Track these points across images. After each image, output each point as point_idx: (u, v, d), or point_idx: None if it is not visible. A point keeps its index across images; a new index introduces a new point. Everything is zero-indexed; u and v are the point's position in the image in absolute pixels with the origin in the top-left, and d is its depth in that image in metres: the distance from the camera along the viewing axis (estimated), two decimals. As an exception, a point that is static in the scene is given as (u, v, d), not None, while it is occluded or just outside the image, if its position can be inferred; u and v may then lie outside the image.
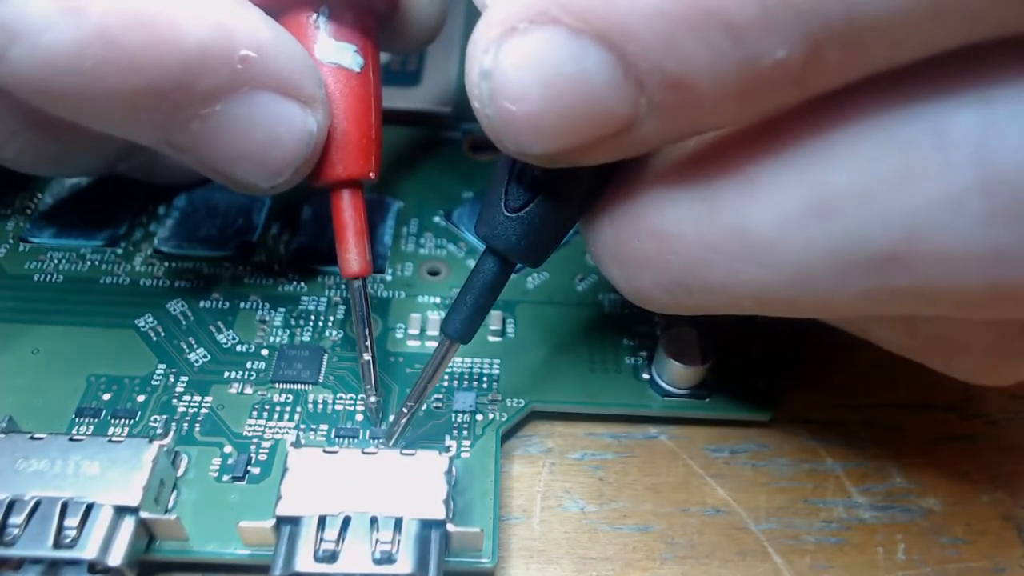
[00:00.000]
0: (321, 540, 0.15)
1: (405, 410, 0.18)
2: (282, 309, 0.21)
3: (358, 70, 0.18)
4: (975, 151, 0.10)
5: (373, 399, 0.19)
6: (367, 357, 0.19)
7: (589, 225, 0.15)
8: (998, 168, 0.10)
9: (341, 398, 0.20)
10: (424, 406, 0.19)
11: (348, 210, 0.19)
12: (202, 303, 0.21)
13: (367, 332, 0.19)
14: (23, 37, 0.14)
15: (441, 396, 0.20)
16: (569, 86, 0.11)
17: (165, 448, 0.17)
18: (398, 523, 0.15)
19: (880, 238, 0.11)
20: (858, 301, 0.12)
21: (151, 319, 0.21)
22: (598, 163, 0.13)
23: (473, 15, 0.13)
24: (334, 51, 0.18)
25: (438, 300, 0.22)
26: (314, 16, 0.18)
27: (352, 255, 0.18)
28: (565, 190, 0.15)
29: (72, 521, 0.15)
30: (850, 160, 0.11)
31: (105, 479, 0.16)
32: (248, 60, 0.16)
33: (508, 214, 0.15)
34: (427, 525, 0.16)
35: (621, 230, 0.14)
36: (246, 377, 0.20)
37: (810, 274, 0.12)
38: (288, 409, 0.19)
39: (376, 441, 0.19)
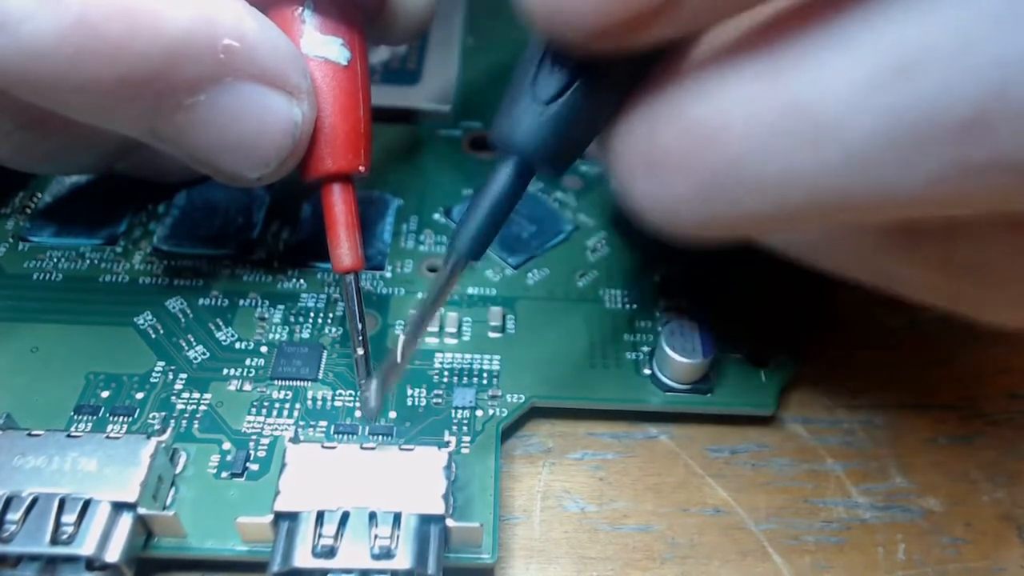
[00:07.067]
0: (319, 536, 0.15)
1: (403, 337, 0.16)
2: (281, 306, 0.21)
3: (345, 64, 0.18)
4: None
5: (368, 393, 0.19)
6: (360, 352, 0.19)
7: (617, 129, 0.14)
8: None
9: (340, 395, 0.19)
10: (418, 391, 0.19)
11: (338, 204, 0.19)
12: (201, 301, 0.21)
13: (360, 327, 0.19)
14: (3, 27, 0.14)
15: (441, 392, 0.20)
16: None
17: (163, 445, 0.17)
18: (397, 518, 0.15)
19: (968, 95, 0.10)
20: (927, 187, 0.11)
21: (150, 317, 0.21)
22: (645, 46, 0.12)
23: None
24: (320, 44, 0.18)
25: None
26: (300, 10, 0.18)
27: (343, 250, 0.18)
28: (604, 78, 0.13)
29: (69, 517, 0.15)
30: (937, 7, 0.10)
31: (103, 475, 0.16)
32: (231, 50, 0.16)
33: (536, 106, 0.13)
34: (426, 520, 0.16)
35: (657, 128, 0.13)
36: (245, 374, 0.20)
37: (881, 152, 0.11)
38: (287, 406, 0.19)
39: (365, 381, 0.18)
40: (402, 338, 0.16)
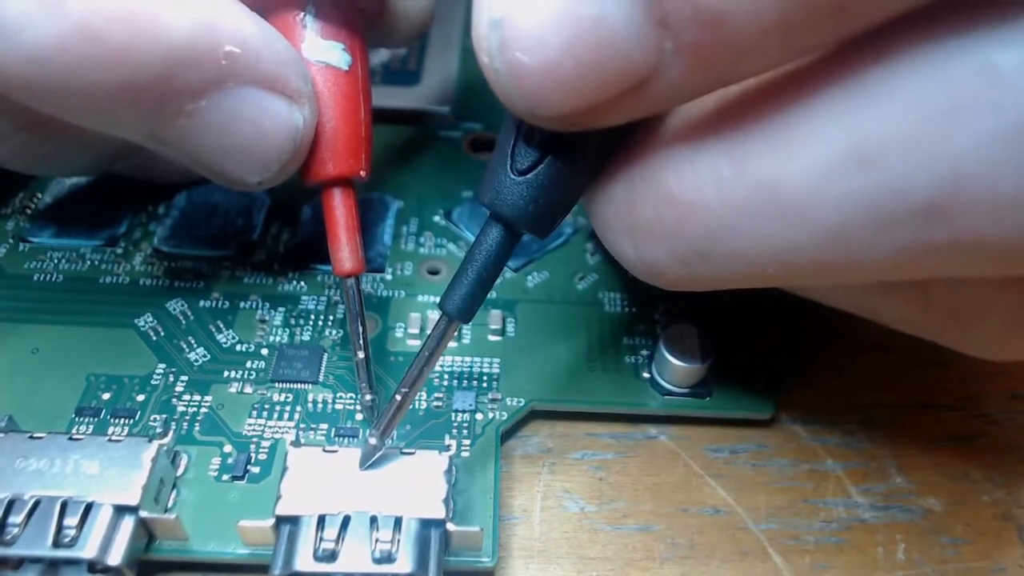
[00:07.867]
0: (321, 539, 0.15)
1: (398, 397, 0.16)
2: (282, 308, 0.21)
3: (346, 68, 0.18)
4: None
5: (368, 397, 0.19)
6: (361, 355, 0.19)
7: (598, 193, 0.14)
8: None
9: (341, 397, 0.20)
10: (419, 394, 0.19)
11: (339, 208, 0.19)
12: (202, 302, 0.21)
13: (361, 330, 0.19)
14: (3, 34, 0.14)
15: (441, 395, 0.20)
16: (587, 31, 0.11)
17: (165, 447, 0.17)
18: (398, 522, 0.15)
19: (924, 186, 0.10)
20: (894, 260, 0.11)
21: (151, 318, 0.21)
22: (613, 124, 0.12)
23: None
24: (322, 49, 0.18)
25: (438, 299, 0.22)
26: (301, 15, 0.18)
27: (344, 253, 0.18)
28: (578, 149, 0.14)
29: (71, 520, 0.15)
30: (892, 102, 0.10)
31: (104, 478, 0.16)
32: (232, 55, 0.16)
33: (514, 177, 0.14)
34: (427, 524, 0.16)
35: (634, 197, 0.13)
36: (246, 376, 0.20)
37: (846, 231, 0.11)
38: (288, 408, 0.19)
39: (368, 432, 0.18)
40: (398, 397, 0.16)
